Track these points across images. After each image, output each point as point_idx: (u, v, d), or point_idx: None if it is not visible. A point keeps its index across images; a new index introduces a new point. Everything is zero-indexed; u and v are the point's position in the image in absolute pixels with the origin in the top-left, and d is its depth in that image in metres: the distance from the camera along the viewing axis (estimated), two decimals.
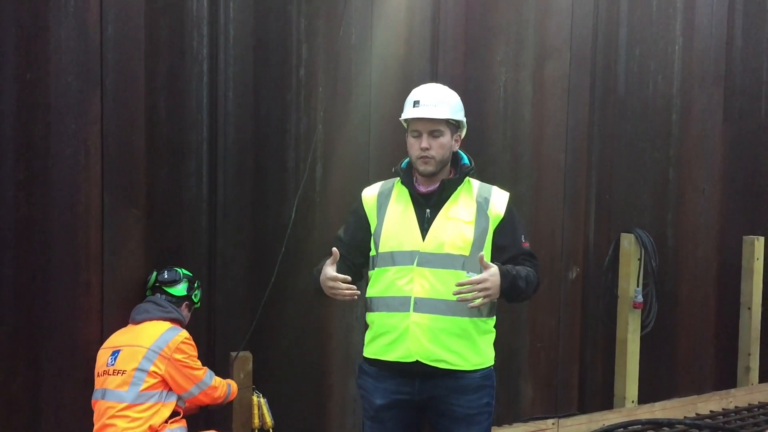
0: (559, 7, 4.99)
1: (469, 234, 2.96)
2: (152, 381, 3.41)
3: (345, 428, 4.46)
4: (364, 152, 4.40)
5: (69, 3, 3.63)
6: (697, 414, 5.48)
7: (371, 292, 3.03)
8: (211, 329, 4.06)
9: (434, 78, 4.41)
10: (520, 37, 4.87)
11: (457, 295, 2.78)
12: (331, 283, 2.88)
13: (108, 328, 3.71)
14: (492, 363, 3.06)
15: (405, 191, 3.06)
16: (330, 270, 2.89)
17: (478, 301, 2.81)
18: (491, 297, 2.83)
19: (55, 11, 3.61)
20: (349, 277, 2.88)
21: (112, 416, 3.36)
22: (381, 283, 2.99)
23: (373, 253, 3.05)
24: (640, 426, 5.18)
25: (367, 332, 3.08)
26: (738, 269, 5.89)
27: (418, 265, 2.92)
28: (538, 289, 3.14)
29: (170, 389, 3.48)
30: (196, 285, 3.84)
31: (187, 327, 3.69)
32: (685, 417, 5.40)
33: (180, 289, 3.76)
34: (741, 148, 5.89)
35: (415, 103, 3.00)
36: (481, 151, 4.55)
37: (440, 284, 2.90)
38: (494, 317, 3.06)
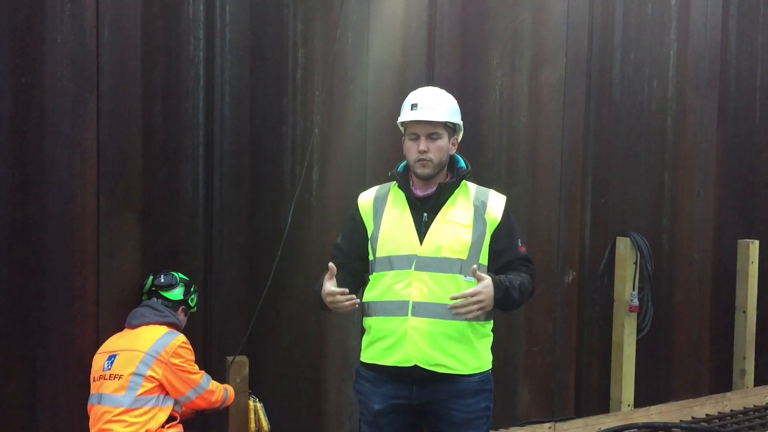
0: (554, 12, 5.00)
1: (466, 237, 2.96)
2: (149, 385, 3.40)
3: None
4: (361, 156, 4.40)
5: (65, 6, 3.62)
6: (693, 417, 5.48)
7: (368, 296, 3.03)
8: (207, 333, 4.04)
9: (430, 82, 4.41)
10: (515, 42, 4.88)
11: (452, 310, 2.79)
12: (330, 299, 2.89)
13: (103, 332, 3.70)
14: (490, 367, 3.06)
15: (401, 195, 3.06)
16: (329, 285, 2.89)
17: (473, 314, 2.81)
18: (486, 309, 2.85)
19: (51, 14, 3.60)
20: (346, 290, 2.88)
21: (109, 421, 3.34)
22: (378, 287, 2.98)
23: (370, 257, 3.04)
24: (636, 429, 5.18)
25: (364, 337, 3.07)
26: (733, 272, 5.90)
27: (416, 269, 2.92)
28: (534, 294, 3.15)
29: (167, 394, 3.46)
30: (192, 289, 3.82)
31: (183, 331, 3.68)
32: (681, 420, 5.41)
33: (176, 294, 3.74)
34: (735, 152, 5.92)
35: (413, 106, 3.00)
36: (477, 155, 4.55)
37: (438, 288, 2.90)
38: (492, 321, 3.06)
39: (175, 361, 3.46)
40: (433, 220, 2.98)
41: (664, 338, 5.57)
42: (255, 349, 4.09)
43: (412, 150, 2.99)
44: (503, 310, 3.00)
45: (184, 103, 3.94)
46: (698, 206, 5.71)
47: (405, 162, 3.08)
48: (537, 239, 4.94)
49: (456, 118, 3.05)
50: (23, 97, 3.56)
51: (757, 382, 5.93)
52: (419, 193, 3.03)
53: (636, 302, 5.23)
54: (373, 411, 3.00)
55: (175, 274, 3.78)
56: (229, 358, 3.98)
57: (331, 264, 2.92)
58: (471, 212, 3.00)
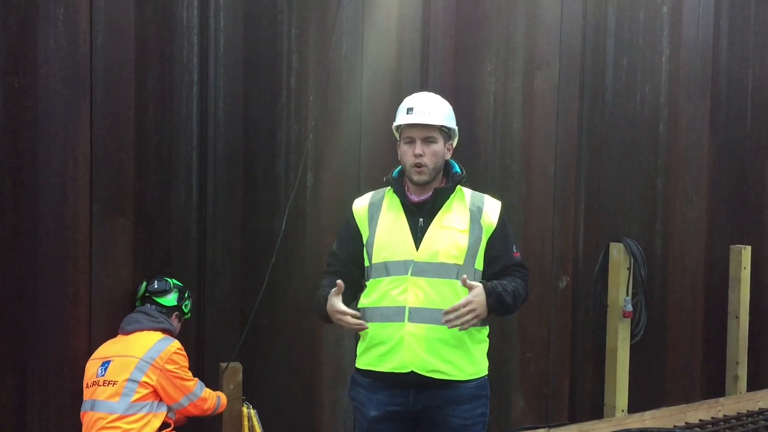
0: (547, 19, 5.02)
1: (463, 242, 2.95)
2: (144, 392, 3.38)
3: None
4: (355, 161, 4.40)
5: (58, 11, 3.61)
6: (686, 423, 5.49)
7: (364, 302, 3.00)
8: (200, 340, 4.02)
9: (424, 87, 4.41)
10: (509, 48, 4.89)
11: (447, 323, 2.78)
12: (339, 316, 2.89)
13: (96, 338, 3.67)
14: (486, 372, 3.05)
15: (396, 200, 3.05)
16: (337, 302, 2.88)
17: (468, 324, 2.81)
18: (479, 317, 2.84)
19: (45, 19, 3.58)
20: (357, 313, 2.89)
21: (102, 427, 3.32)
22: (374, 293, 2.97)
23: (366, 263, 3.03)
24: None
25: (359, 343, 3.06)
26: (725, 278, 5.91)
27: (413, 274, 2.91)
28: (527, 299, 3.15)
29: (161, 400, 3.44)
30: (186, 295, 3.81)
31: (176, 337, 3.66)
32: (674, 426, 5.41)
33: (170, 299, 3.72)
34: (727, 158, 5.94)
35: (409, 110, 2.99)
36: (471, 160, 4.55)
37: (435, 294, 2.89)
38: (487, 326, 3.06)
39: (170, 367, 3.44)
40: (429, 226, 2.96)
41: (657, 344, 5.58)
42: (249, 355, 4.08)
43: (407, 154, 2.98)
44: (497, 314, 2.99)
45: (177, 108, 3.93)
46: (691, 212, 5.72)
47: (400, 167, 3.07)
48: (531, 245, 4.94)
49: (451, 122, 3.05)
50: (16, 102, 3.54)
51: (750, 387, 5.94)
52: (415, 198, 3.02)
53: (630, 308, 5.24)
54: (369, 418, 2.98)
55: (168, 279, 3.77)
56: (223, 365, 3.96)
57: (339, 281, 2.89)
58: (467, 217, 3.00)
